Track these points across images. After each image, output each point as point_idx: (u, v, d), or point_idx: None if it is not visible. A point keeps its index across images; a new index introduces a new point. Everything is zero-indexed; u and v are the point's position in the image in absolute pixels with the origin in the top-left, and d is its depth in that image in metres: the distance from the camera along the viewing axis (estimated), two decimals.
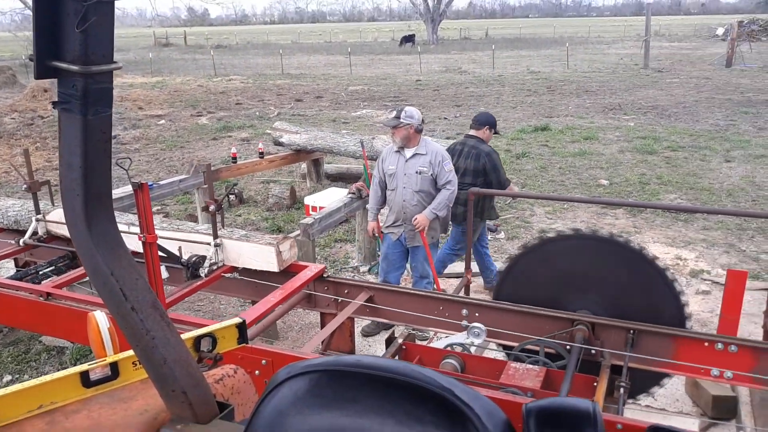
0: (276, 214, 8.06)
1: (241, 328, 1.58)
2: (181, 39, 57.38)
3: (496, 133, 5.72)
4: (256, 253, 3.69)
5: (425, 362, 3.24)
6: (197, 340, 1.49)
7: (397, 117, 4.70)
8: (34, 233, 4.31)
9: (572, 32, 59.58)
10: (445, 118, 15.38)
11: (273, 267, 3.65)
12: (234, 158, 7.95)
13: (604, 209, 7.88)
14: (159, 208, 8.51)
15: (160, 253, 3.21)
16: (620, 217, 7.66)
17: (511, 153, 11.22)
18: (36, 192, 4.19)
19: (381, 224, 5.14)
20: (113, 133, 13.95)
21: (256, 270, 3.75)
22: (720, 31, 43.33)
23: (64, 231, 4.18)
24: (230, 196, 8.54)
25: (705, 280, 5.92)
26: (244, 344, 1.60)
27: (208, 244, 3.71)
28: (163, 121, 15.81)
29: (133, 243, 3.92)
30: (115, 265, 1.07)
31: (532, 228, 7.39)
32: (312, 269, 3.73)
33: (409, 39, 45.76)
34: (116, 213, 4.23)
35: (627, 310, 3.28)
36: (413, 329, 3.74)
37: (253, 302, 3.85)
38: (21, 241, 4.29)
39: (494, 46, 33.32)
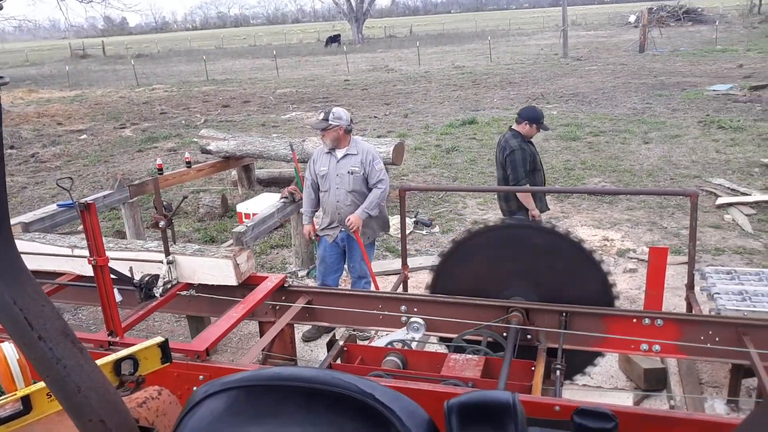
0: (208, 224, 7.88)
1: (164, 347, 1.52)
2: (99, 50, 55.38)
3: (541, 128, 5.50)
4: (212, 268, 3.53)
5: (367, 362, 3.23)
6: (117, 363, 1.43)
7: (326, 119, 4.67)
8: None
9: (493, 26, 60.86)
10: (375, 117, 15.43)
11: (231, 281, 3.51)
12: (160, 169, 7.72)
13: None
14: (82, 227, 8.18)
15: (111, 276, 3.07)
16: (549, 203, 7.87)
17: (441, 148, 11.36)
18: None
19: (316, 227, 5.10)
20: (31, 152, 13.33)
21: (213, 285, 3.59)
22: (632, 18, 45.20)
23: None
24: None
25: (631, 258, 6.15)
26: (168, 363, 1.54)
27: (160, 262, 3.53)
28: (84, 136, 15.21)
29: (75, 267, 3.73)
30: (17, 293, 1.01)
31: (465, 220, 7.50)
32: (272, 280, 3.60)
33: (334, 39, 45.68)
34: (57, 236, 3.95)
35: (559, 294, 3.37)
36: (354, 330, 3.73)
37: (260, 323, 3.73)
38: None
39: (419, 42, 33.70)
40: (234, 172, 9.35)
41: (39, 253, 3.82)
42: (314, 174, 4.89)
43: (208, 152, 8.59)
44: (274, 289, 3.55)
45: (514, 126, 5.49)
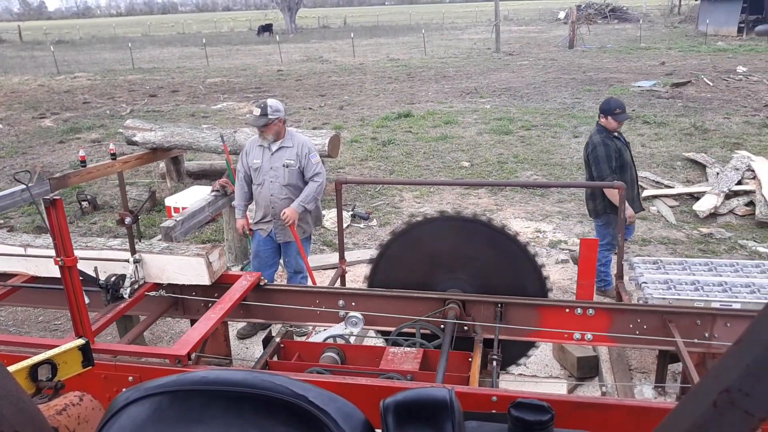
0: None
1: (85, 349, 1.42)
2: (15, 35, 52.51)
3: (616, 119, 5.06)
4: (182, 267, 3.34)
5: (305, 358, 3.18)
6: (33, 368, 1.33)
7: (264, 114, 4.54)
8: None
9: (428, 19, 61.39)
10: (310, 108, 15.27)
11: (204, 280, 3.33)
12: (83, 161, 7.37)
13: (467, 190, 8.19)
14: (1, 221, 7.74)
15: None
16: (482, 196, 7.99)
17: (377, 141, 11.35)
18: None
19: (250, 221, 4.98)
20: None
21: (182, 285, 3.41)
22: (561, 14, 46.54)
23: None
24: (82, 203, 7.92)
25: (563, 249, 6.32)
26: (89, 367, 1.44)
27: (126, 261, 3.31)
28: (0, 126, 14.38)
29: (29, 267, 3.46)
30: None
31: (402, 213, 7.52)
32: (247, 278, 3.44)
33: (266, 28, 44.93)
34: (6, 234, 3.65)
35: (493, 286, 3.40)
36: (291, 326, 3.66)
37: (192, 321, 3.55)
38: None
39: (353, 34, 33.57)
40: (162, 165, 9.04)
41: None
42: (247, 166, 4.76)
43: (135, 143, 8.27)
44: (251, 288, 3.39)
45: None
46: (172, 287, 3.46)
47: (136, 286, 3.29)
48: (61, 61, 28.71)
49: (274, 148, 4.67)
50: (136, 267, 3.30)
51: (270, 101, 4.64)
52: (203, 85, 20.26)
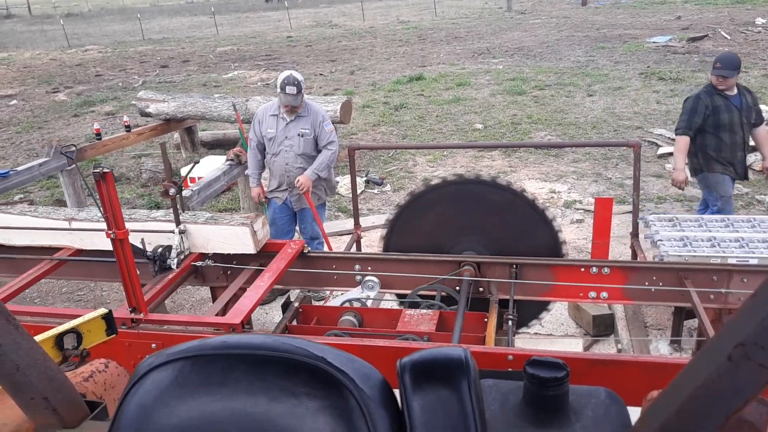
0: (152, 190, 7.66)
1: (108, 318, 1.46)
2: (24, 9, 52.30)
3: (716, 74, 4.68)
4: (227, 236, 3.37)
5: (323, 322, 3.23)
6: (59, 337, 1.37)
7: (300, 90, 4.55)
8: None
9: None
10: (321, 75, 15.16)
11: (249, 249, 3.37)
12: (98, 134, 7.41)
13: (481, 152, 8.14)
14: (22, 196, 7.85)
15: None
16: (496, 158, 7.95)
17: (390, 105, 11.27)
18: None
19: (264, 189, 5.01)
20: None
21: (227, 254, 3.44)
22: None
23: None
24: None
25: (578, 209, 6.30)
26: (113, 335, 1.49)
27: (171, 232, 3.33)
28: (14, 102, 14.45)
29: (74, 240, 3.51)
30: None
31: (416, 178, 7.51)
32: (292, 246, 3.47)
33: None
34: (50, 208, 3.67)
35: (508, 247, 3.42)
36: (309, 291, 3.71)
37: (212, 289, 3.62)
38: None
39: None
40: (176, 135, 9.07)
41: (32, 228, 3.57)
42: (260, 135, 4.77)
43: (148, 115, 8.28)
44: (296, 256, 3.41)
45: None
46: (219, 257, 3.48)
47: (182, 257, 3.31)
48: (71, 35, 28.63)
49: (289, 117, 4.67)
50: (182, 238, 3.32)
51: (297, 75, 4.60)
52: (214, 54, 20.15)
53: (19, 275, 3.47)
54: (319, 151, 4.75)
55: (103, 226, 3.33)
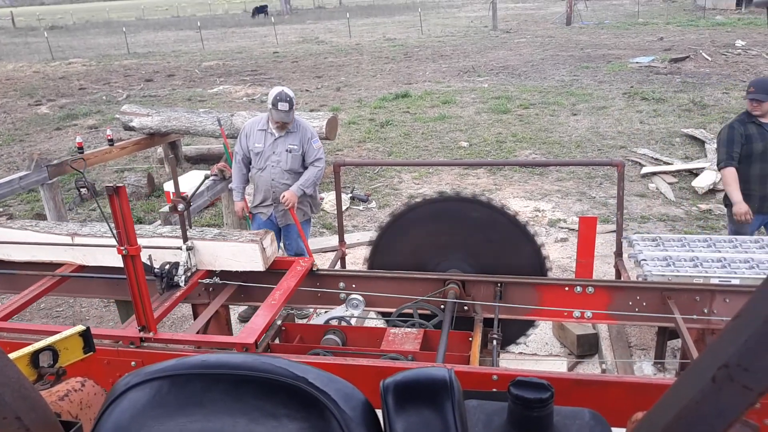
0: (134, 204, 7.59)
1: (86, 335, 1.43)
2: (8, 21, 52.06)
3: (749, 96, 4.46)
4: (236, 253, 3.28)
5: (306, 340, 3.20)
6: (34, 355, 1.34)
7: (292, 107, 4.55)
8: None
9: None
10: (307, 90, 15.19)
11: (258, 266, 3.28)
12: (80, 148, 7.34)
13: (466, 170, 8.17)
14: (1, 209, 7.73)
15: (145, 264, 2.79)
16: (481, 176, 7.98)
17: (375, 122, 11.31)
18: None
19: (248, 204, 4.98)
20: None
21: (235, 272, 3.34)
22: None
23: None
24: (81, 189, 7.91)
25: (562, 228, 6.32)
26: (90, 353, 1.45)
27: (178, 248, 3.24)
28: None
29: (77, 256, 3.40)
30: None
31: (401, 194, 7.51)
32: (301, 264, 3.39)
33: (261, 10, 44.51)
34: (52, 223, 3.57)
35: (493, 265, 3.41)
36: (292, 309, 3.67)
37: (193, 306, 3.55)
38: None
39: (349, 14, 33.28)
40: (160, 150, 9.00)
41: (33, 243, 3.46)
42: (246, 149, 4.74)
43: (132, 129, 8.23)
44: (306, 273, 3.34)
45: None
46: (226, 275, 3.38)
47: (189, 274, 3.23)
48: (55, 47, 28.48)
49: (278, 133, 4.65)
50: (189, 254, 3.24)
51: (289, 92, 4.60)
52: (199, 69, 20.13)
53: (18, 292, 3.39)
54: (305, 168, 4.73)
55: (107, 241, 3.27)
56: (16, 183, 6.34)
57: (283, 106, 4.50)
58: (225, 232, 3.48)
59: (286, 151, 4.64)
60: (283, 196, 4.62)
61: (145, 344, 2.77)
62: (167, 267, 3.14)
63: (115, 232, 2.58)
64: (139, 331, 2.75)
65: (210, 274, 3.35)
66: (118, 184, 2.46)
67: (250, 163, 4.78)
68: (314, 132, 4.80)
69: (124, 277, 3.29)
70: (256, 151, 4.69)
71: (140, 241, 3.11)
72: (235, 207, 5.02)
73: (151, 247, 3.24)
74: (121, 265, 3.27)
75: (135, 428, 0.83)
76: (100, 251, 3.36)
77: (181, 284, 3.15)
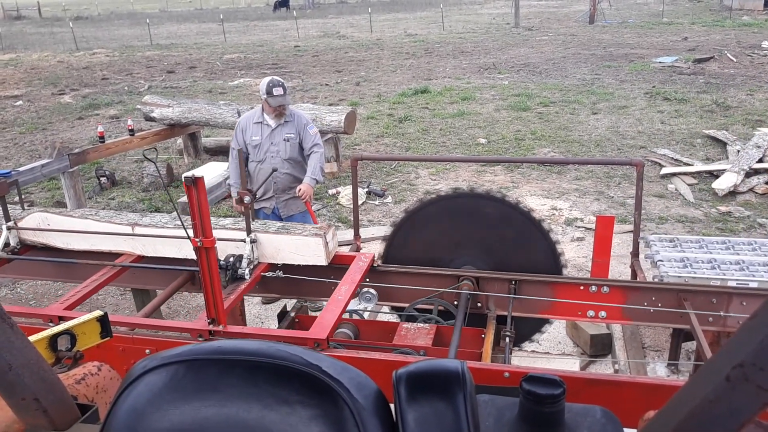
0: (153, 195, 7.67)
1: (103, 321, 1.45)
2: (34, 11, 52.67)
3: None
4: (299, 247, 3.24)
5: None
6: (53, 338, 1.36)
7: (286, 91, 4.59)
8: (6, 244, 3.56)
9: None
10: (327, 85, 15.21)
11: (321, 260, 3.24)
12: (101, 137, 7.43)
13: (484, 167, 8.14)
14: (23, 196, 7.85)
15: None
16: (499, 173, 7.95)
17: (394, 117, 11.30)
18: (4, 195, 3.49)
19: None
20: None
21: (296, 266, 3.30)
22: None
23: (42, 239, 3.56)
24: (101, 178, 8.01)
25: (579, 227, 6.28)
26: (107, 338, 1.48)
27: (241, 240, 3.22)
28: (20, 102, 14.52)
29: (136, 246, 3.39)
30: None
31: (418, 190, 7.51)
32: (363, 259, 3.34)
33: (283, 3, 44.57)
34: (112, 213, 3.59)
35: (508, 262, 3.40)
36: (306, 301, 3.70)
37: (300, 300, 3.55)
38: None
39: (371, 9, 33.26)
40: (179, 141, 9.09)
41: (93, 232, 3.45)
42: (244, 143, 4.76)
43: (152, 119, 8.31)
44: (369, 268, 3.30)
45: None
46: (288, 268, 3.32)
47: (251, 267, 3.21)
48: (79, 38, 28.79)
49: (274, 124, 4.68)
50: (252, 247, 3.21)
51: (278, 77, 4.68)
52: (220, 61, 20.25)
53: (76, 280, 3.41)
54: (303, 156, 4.76)
55: (167, 232, 3.29)
56: (38, 171, 6.43)
57: (278, 91, 4.55)
58: (288, 225, 3.45)
59: (284, 140, 4.68)
60: (300, 189, 4.65)
61: (214, 337, 2.71)
62: (231, 260, 3.13)
63: (182, 223, 2.56)
64: (209, 323, 2.72)
65: (271, 267, 3.31)
66: (196, 175, 2.41)
67: (247, 158, 4.81)
68: (309, 119, 4.86)
69: (187, 268, 3.33)
70: (254, 144, 4.72)
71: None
72: (234, 202, 5.05)
73: (217, 239, 3.17)
74: (180, 256, 3.30)
75: (151, 412, 0.85)
76: (161, 242, 3.35)
77: (246, 277, 3.12)
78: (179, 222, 3.34)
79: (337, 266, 3.31)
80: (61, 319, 2.92)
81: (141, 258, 3.46)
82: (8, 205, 3.52)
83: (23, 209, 3.71)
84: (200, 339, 2.70)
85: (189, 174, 2.41)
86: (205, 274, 2.57)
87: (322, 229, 3.29)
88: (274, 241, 3.27)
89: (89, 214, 3.58)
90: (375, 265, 3.35)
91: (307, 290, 3.45)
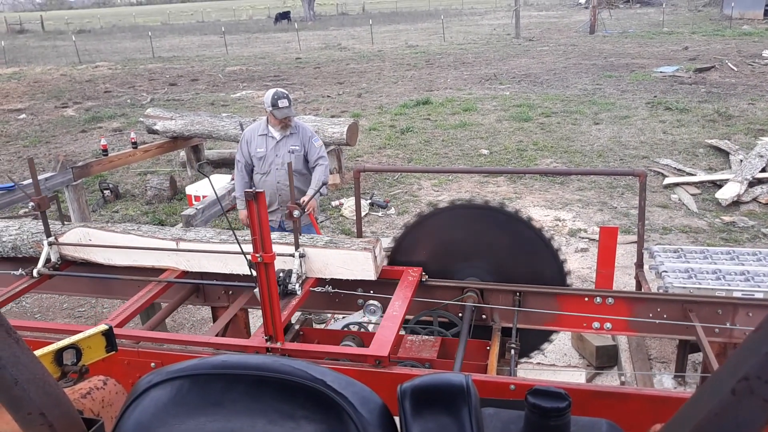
0: (156, 207, 7.68)
1: (108, 335, 1.45)
2: (37, 25, 53.07)
3: None
4: (347, 261, 3.19)
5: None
6: (58, 353, 1.36)
7: (291, 102, 4.61)
8: (47, 260, 3.49)
9: (446, 4, 60.82)
10: (329, 96, 15.26)
11: (370, 275, 3.19)
12: (104, 150, 7.46)
13: (486, 178, 8.15)
14: (26, 209, 7.87)
15: (252, 272, 2.68)
16: (501, 184, 7.95)
17: (396, 128, 11.32)
18: (45, 210, 3.42)
19: None
20: None
21: (343, 280, 3.24)
22: None
23: (83, 254, 3.52)
24: (104, 191, 8.03)
25: (582, 238, 6.27)
26: (113, 352, 1.47)
27: (290, 255, 3.16)
28: (23, 116, 14.58)
29: (180, 262, 3.34)
30: None
31: (421, 201, 7.51)
32: (412, 273, 3.29)
33: (284, 16, 44.87)
34: (155, 227, 3.56)
35: (512, 274, 3.39)
36: (310, 314, 3.69)
37: (213, 308, 3.53)
38: (35, 272, 3.43)
39: (372, 21, 33.44)
40: (182, 153, 9.11)
41: (135, 247, 3.40)
42: (248, 156, 4.77)
43: (155, 132, 8.34)
44: (418, 283, 3.24)
45: None
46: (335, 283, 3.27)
47: (301, 281, 3.15)
48: (82, 51, 28.97)
49: (279, 136, 4.69)
50: (301, 262, 3.17)
51: (282, 89, 4.69)
52: (222, 74, 20.34)
53: (116, 296, 3.38)
54: (308, 168, 4.77)
55: (212, 247, 3.25)
56: (41, 184, 6.44)
57: (283, 103, 4.56)
58: (336, 239, 3.38)
59: (289, 152, 4.69)
60: (302, 201, 4.66)
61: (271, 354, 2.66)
62: (281, 275, 3.08)
63: (236, 238, 2.56)
64: (266, 340, 2.67)
65: (320, 282, 3.26)
66: (257, 190, 2.39)
67: (252, 171, 4.82)
68: (313, 132, 4.87)
69: (237, 284, 3.31)
70: (259, 156, 4.73)
71: (246, 248, 2.93)
72: (240, 215, 5.05)
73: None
74: (226, 271, 3.26)
75: (156, 426, 0.85)
76: (205, 257, 3.31)
77: (298, 292, 3.07)
78: (227, 236, 3.33)
79: (386, 280, 3.25)
80: None
81: (184, 273, 3.41)
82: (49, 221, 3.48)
83: (63, 224, 3.64)
84: None
85: (251, 190, 2.37)
86: (264, 289, 2.53)
87: (371, 242, 3.24)
88: (322, 256, 3.21)
89: (131, 229, 3.53)
90: (423, 279, 3.30)
91: (210, 297, 3.46)
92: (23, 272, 3.51)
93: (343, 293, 3.28)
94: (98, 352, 1.48)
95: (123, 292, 3.47)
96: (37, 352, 1.36)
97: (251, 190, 2.38)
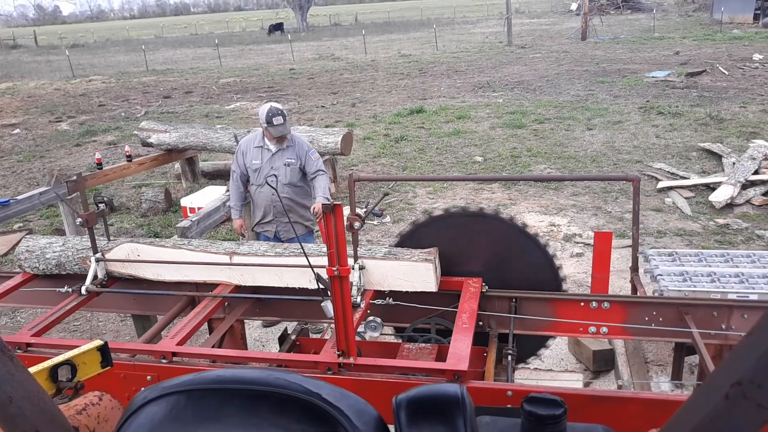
0: (151, 220, 7.67)
1: (103, 350, 1.45)
2: (30, 39, 53.10)
3: None
4: (407, 273, 3.13)
5: None
6: (53, 369, 1.36)
7: (285, 119, 4.59)
8: (94, 277, 3.44)
9: (438, 14, 61.13)
10: (323, 106, 15.30)
11: (431, 286, 3.11)
12: (99, 164, 7.45)
13: (481, 185, 8.16)
14: (21, 224, 7.85)
15: (319, 285, 2.64)
16: (496, 191, 7.97)
17: (390, 137, 11.35)
18: (93, 226, 3.37)
19: (245, 222, 5.04)
20: None
21: (403, 292, 3.17)
22: (573, 6, 46.09)
23: (132, 270, 3.46)
24: (99, 204, 8.01)
25: (577, 243, 6.29)
26: (108, 368, 1.47)
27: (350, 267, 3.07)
28: (17, 131, 14.57)
29: (233, 276, 3.27)
30: None
31: (416, 209, 7.52)
32: (473, 284, 3.24)
33: (277, 27, 45.06)
34: (207, 242, 3.53)
35: (508, 280, 3.40)
36: (306, 324, 3.68)
37: (209, 322, 3.48)
38: (83, 289, 3.38)
39: (365, 31, 33.54)
40: (177, 165, 9.11)
41: (188, 262, 3.34)
42: (244, 167, 4.77)
43: (150, 145, 8.35)
44: (480, 293, 3.18)
45: None
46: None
47: (361, 294, 3.10)
48: (76, 65, 28.98)
49: (275, 149, 4.69)
50: (360, 273, 3.11)
51: (277, 105, 4.67)
52: (216, 86, 20.37)
53: (164, 313, 3.34)
54: (304, 180, 4.80)
55: (266, 260, 3.21)
56: (36, 198, 6.45)
57: (278, 120, 4.53)
58: (395, 250, 3.32)
59: (284, 165, 4.69)
60: (314, 208, 4.71)
61: (343, 370, 2.59)
62: None
63: (304, 252, 2.55)
64: (338, 356, 2.59)
65: (379, 294, 3.21)
66: (335, 202, 2.35)
67: (247, 181, 4.82)
68: (310, 145, 4.87)
69: (288, 297, 3.25)
70: (254, 168, 4.73)
71: (310, 260, 2.87)
72: (234, 224, 5.05)
73: (319, 266, 2.85)
74: (281, 285, 3.21)
75: None
76: (259, 271, 3.26)
77: (360, 305, 3.01)
78: (281, 248, 3.28)
79: (446, 292, 3.21)
80: (175, 355, 2.85)
81: (237, 288, 3.36)
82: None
83: (109, 240, 3.58)
84: (329, 373, 2.57)
85: (329, 202, 2.35)
86: (338, 303, 2.47)
87: (431, 253, 3.18)
88: (381, 267, 3.16)
89: (182, 244, 3.47)
90: (484, 290, 3.25)
91: (237, 310, 3.40)
92: (70, 289, 3.44)
93: (404, 305, 3.21)
94: (93, 368, 1.47)
95: (168, 308, 3.42)
96: (32, 369, 1.36)
97: (329, 203, 2.34)
